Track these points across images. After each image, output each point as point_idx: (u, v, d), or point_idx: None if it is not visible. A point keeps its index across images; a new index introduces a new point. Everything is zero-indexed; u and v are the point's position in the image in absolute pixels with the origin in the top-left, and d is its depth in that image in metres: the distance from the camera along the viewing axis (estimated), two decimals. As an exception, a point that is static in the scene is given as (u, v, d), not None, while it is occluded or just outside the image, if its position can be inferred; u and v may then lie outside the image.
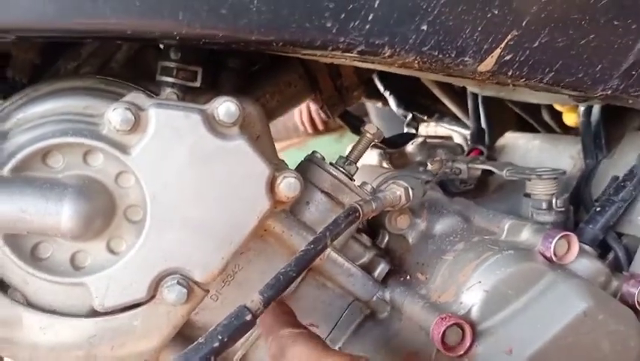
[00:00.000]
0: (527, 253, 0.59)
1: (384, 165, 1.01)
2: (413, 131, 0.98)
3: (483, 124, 0.95)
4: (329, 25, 0.46)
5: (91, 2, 0.41)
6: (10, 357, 0.49)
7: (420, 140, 1.01)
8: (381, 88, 1.02)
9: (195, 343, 0.45)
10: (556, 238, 0.58)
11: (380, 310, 0.65)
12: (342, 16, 0.46)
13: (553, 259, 0.58)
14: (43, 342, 0.48)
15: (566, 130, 0.99)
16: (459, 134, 1.04)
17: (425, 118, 1.06)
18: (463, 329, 0.54)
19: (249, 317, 0.46)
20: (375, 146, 1.00)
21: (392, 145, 0.94)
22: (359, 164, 0.68)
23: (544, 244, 0.59)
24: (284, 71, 0.78)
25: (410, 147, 1.01)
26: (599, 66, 0.55)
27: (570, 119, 0.93)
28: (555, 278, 0.56)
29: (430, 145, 1.02)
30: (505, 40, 0.51)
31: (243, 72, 0.76)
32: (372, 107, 1.47)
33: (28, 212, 0.44)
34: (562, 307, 0.55)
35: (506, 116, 1.03)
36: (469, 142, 0.96)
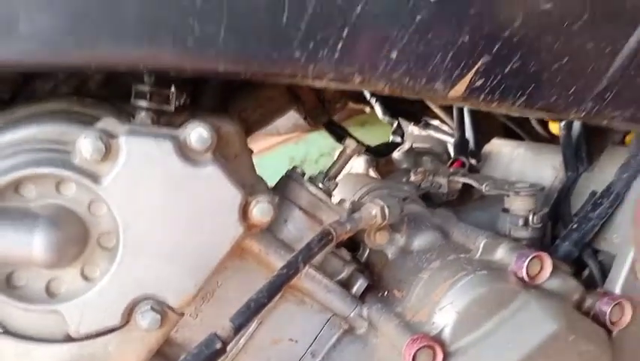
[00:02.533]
0: (500, 274, 0.59)
1: (371, 172, 1.01)
2: (399, 139, 0.98)
3: (468, 133, 0.95)
4: (297, 54, 0.46)
5: (57, 37, 0.41)
6: (-15, 383, 0.49)
7: (406, 147, 1.01)
8: (367, 95, 1.02)
9: (165, 373, 0.45)
10: (529, 258, 0.59)
11: (358, 325, 0.66)
12: (311, 45, 0.46)
13: (526, 279, 0.58)
14: (18, 368, 0.49)
15: (553, 137, 0.99)
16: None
17: (412, 124, 1.06)
18: (434, 350, 0.54)
19: (219, 345, 0.47)
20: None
21: (378, 153, 0.94)
22: (346, 170, 0.69)
23: (517, 264, 0.59)
24: (265, 85, 0.78)
25: (396, 154, 1.01)
26: (572, 89, 0.55)
27: (556, 127, 0.94)
28: (527, 299, 0.57)
29: (416, 152, 1.02)
30: (476, 67, 0.51)
31: (224, 86, 0.76)
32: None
33: (1, 243, 0.44)
34: (533, 329, 0.56)
35: (493, 123, 1.03)
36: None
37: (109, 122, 0.50)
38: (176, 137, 0.50)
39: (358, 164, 1.04)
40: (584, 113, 0.57)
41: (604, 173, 0.73)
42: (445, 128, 1.11)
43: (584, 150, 0.78)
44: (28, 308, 0.49)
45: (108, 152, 0.48)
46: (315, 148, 2.33)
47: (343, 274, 0.69)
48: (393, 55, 0.48)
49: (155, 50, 0.42)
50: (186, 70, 0.44)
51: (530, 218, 0.68)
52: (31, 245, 0.45)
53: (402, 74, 0.49)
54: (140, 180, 0.49)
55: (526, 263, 0.58)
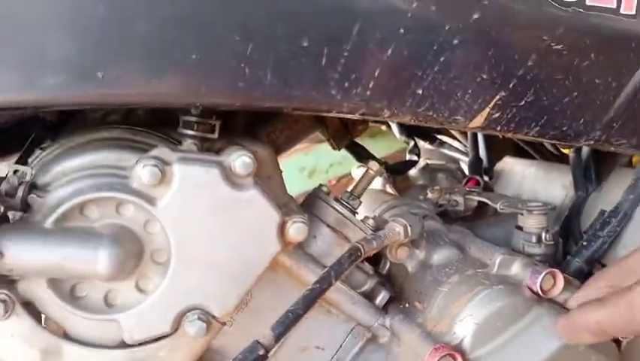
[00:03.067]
0: (516, 288, 0.64)
1: (388, 188, 1.06)
2: (415, 157, 1.03)
3: (481, 152, 1.00)
4: (334, 92, 0.51)
5: (133, 82, 0.47)
6: (51, 384, 0.55)
7: (422, 164, 1.06)
8: (385, 115, 1.07)
9: (214, 376, 0.51)
10: (543, 274, 0.63)
11: (381, 335, 0.71)
12: (346, 84, 0.51)
13: (540, 293, 0.63)
14: (81, 370, 0.54)
15: (563, 155, 1.04)
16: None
17: (427, 144, 1.11)
18: (455, 359, 0.59)
19: (261, 352, 0.52)
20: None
21: (395, 172, 0.99)
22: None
23: (531, 279, 0.64)
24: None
25: (412, 171, 1.07)
26: (582, 120, 0.60)
27: (567, 147, 0.98)
28: (540, 312, 0.62)
29: (431, 169, 1.07)
30: (494, 101, 0.56)
31: (253, 112, 0.82)
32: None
33: (69, 260, 0.50)
34: (546, 340, 0.60)
35: (505, 142, 1.08)
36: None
37: (162, 150, 0.56)
38: (222, 163, 0.56)
39: (376, 181, 1.09)
40: (592, 141, 0.61)
41: (612, 193, 0.78)
42: (456, 145, 1.16)
43: (592, 171, 0.82)
44: (89, 317, 0.54)
45: (163, 177, 0.53)
46: (325, 158, 2.38)
47: (367, 287, 0.74)
48: (419, 92, 0.53)
49: (211, 91, 0.48)
50: (237, 107, 0.50)
51: (543, 235, 0.72)
52: (97, 261, 0.51)
53: (426, 108, 0.54)
54: (191, 202, 0.54)
55: (540, 279, 0.63)
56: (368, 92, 0.52)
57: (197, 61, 0.47)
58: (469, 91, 0.55)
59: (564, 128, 0.60)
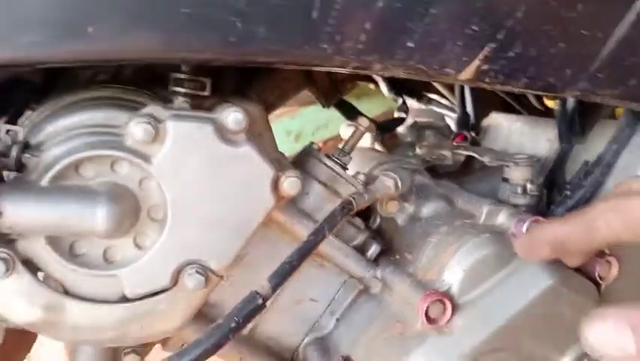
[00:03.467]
0: (502, 236, 0.67)
1: (377, 145, 1.08)
2: (403, 115, 1.04)
3: (468, 108, 1.01)
4: (325, 46, 0.52)
5: (123, 37, 0.47)
6: (55, 338, 0.56)
7: (410, 122, 1.07)
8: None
9: (215, 324, 0.53)
10: (528, 222, 0.66)
11: (372, 286, 0.73)
12: (337, 38, 0.52)
13: (524, 241, 0.66)
14: (83, 325, 0.56)
15: (548, 110, 1.05)
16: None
17: (415, 101, 1.12)
18: (444, 304, 0.62)
19: (259, 301, 0.54)
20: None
21: (384, 129, 1.00)
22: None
23: (516, 227, 0.66)
24: (282, 68, 0.83)
25: (401, 129, 1.08)
26: (568, 71, 0.61)
27: (552, 101, 1.00)
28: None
29: (419, 126, 1.08)
30: (483, 53, 0.56)
31: (243, 70, 0.82)
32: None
33: (67, 217, 0.51)
34: (531, 283, 0.63)
35: (492, 97, 1.09)
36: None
37: (154, 108, 0.56)
38: (215, 120, 0.56)
39: (364, 138, 1.10)
40: (578, 92, 0.63)
41: (595, 144, 0.80)
42: (444, 102, 1.17)
43: (577, 123, 0.84)
44: (89, 273, 0.55)
45: (156, 135, 0.54)
46: (310, 122, 2.38)
47: (358, 240, 0.76)
48: (410, 44, 0.54)
49: (202, 46, 0.48)
50: (228, 62, 0.50)
51: (528, 186, 0.74)
52: (95, 218, 0.51)
53: (417, 61, 0.55)
54: (185, 159, 0.55)
55: (525, 226, 0.65)
56: (359, 46, 0.52)
57: (189, 15, 0.46)
58: (459, 43, 0.55)
59: (551, 80, 0.61)
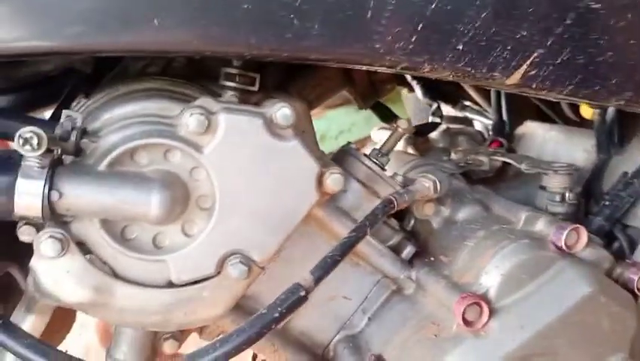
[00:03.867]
0: (540, 242, 0.67)
1: (409, 150, 1.08)
2: (438, 120, 1.05)
3: (504, 115, 1.02)
4: (377, 46, 0.53)
5: (177, 28, 0.48)
6: (102, 319, 0.58)
7: (443, 127, 1.08)
8: (409, 78, 1.09)
9: (259, 313, 0.54)
10: (567, 230, 0.66)
11: (406, 287, 0.74)
12: (389, 38, 0.53)
13: (564, 248, 0.66)
14: (130, 307, 0.58)
15: (583, 121, 1.05)
16: (480, 123, 1.10)
17: (450, 106, 1.12)
18: (481, 307, 0.62)
19: (302, 293, 0.55)
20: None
21: (418, 133, 1.01)
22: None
23: (555, 235, 0.66)
24: (323, 66, 0.84)
25: (434, 134, 1.08)
26: (614, 80, 0.61)
27: (587, 111, 0.99)
28: (564, 265, 0.64)
29: (452, 132, 1.09)
30: (531, 58, 0.57)
31: (285, 66, 0.83)
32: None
33: (124, 202, 0.53)
34: (569, 291, 0.63)
35: (527, 106, 1.09)
36: (489, 132, 1.02)
37: (206, 101, 0.57)
38: (264, 114, 0.58)
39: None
40: (623, 101, 0.63)
41: (635, 156, 0.80)
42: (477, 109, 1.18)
43: (616, 134, 0.84)
44: (139, 258, 0.57)
45: (209, 126, 0.55)
46: (335, 125, 2.39)
47: (393, 241, 0.76)
48: (459, 47, 0.55)
49: (260, 41, 0.50)
50: (283, 58, 0.51)
51: (567, 195, 0.74)
52: (149, 204, 0.53)
53: (465, 64, 0.56)
54: (235, 150, 0.57)
55: (564, 234, 0.65)
56: (410, 46, 0.53)
57: (249, 10, 0.48)
58: (508, 47, 0.56)
59: (597, 88, 0.61)
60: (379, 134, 1.15)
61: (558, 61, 0.58)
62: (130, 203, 0.53)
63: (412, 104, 1.39)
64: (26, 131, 0.48)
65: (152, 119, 0.58)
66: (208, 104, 0.57)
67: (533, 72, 0.58)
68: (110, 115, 0.58)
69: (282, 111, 0.58)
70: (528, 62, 0.57)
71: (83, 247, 0.57)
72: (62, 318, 0.71)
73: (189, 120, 0.55)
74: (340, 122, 2.39)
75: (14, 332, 0.54)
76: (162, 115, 0.58)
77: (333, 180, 0.61)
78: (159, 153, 0.56)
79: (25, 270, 0.58)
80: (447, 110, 1.21)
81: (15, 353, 0.53)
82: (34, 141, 0.48)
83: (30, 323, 0.64)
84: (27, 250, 0.56)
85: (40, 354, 0.53)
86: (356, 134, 2.32)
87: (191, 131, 0.55)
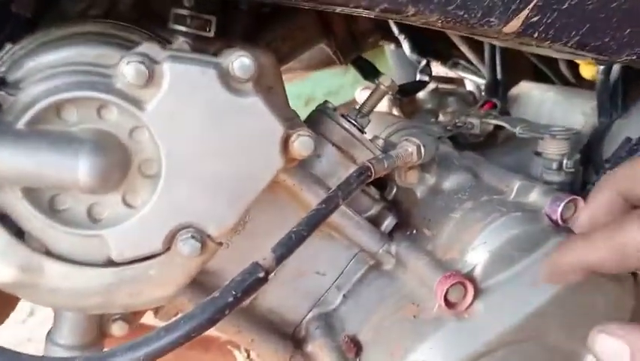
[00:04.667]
0: (534, 216, 0.60)
1: (394, 111, 1.00)
2: (426, 78, 0.96)
3: (498, 74, 0.93)
4: (352, -18, 0.44)
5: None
6: (33, 302, 0.51)
7: (431, 87, 0.99)
8: (395, 31, 0.99)
9: (211, 297, 0.46)
10: (564, 202, 0.59)
11: (385, 262, 0.67)
12: (366, -28, 0.44)
13: (559, 222, 0.59)
14: (64, 289, 0.50)
15: (581, 82, 0.97)
16: (472, 82, 1.02)
17: (439, 64, 1.03)
18: (465, 287, 0.56)
19: (261, 274, 0.47)
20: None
21: (404, 93, 0.92)
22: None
23: (551, 207, 0.59)
24: (296, 14, 0.75)
25: (421, 94, 1.00)
26: (628, 31, 0.53)
27: (587, 71, 0.91)
28: (559, 241, 0.58)
29: (441, 92, 1.01)
30: (534, 2, 0.48)
31: (253, 15, 0.74)
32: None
33: (45, 167, 0.44)
34: (563, 270, 0.56)
35: (522, 65, 1.01)
36: (482, 93, 0.94)
37: (150, 47, 0.48)
38: (219, 64, 0.49)
39: (381, 103, 1.02)
40: (635, 56, 0.55)
41: (639, 120, 0.72)
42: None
43: (619, 96, 0.76)
44: (71, 232, 0.49)
45: (151, 77, 0.46)
46: (322, 86, 2.29)
47: (372, 212, 0.69)
48: (451, -15, 0.46)
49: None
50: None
51: (564, 162, 0.67)
52: (77, 169, 0.45)
53: (457, 6, 0.47)
54: (183, 106, 0.48)
55: (561, 206, 0.58)
56: (391, -16, 0.44)
57: None
58: (508, -12, 0.47)
59: (607, 39, 0.53)
60: (364, 95, 1.06)
61: (564, 6, 0.50)
62: (53, 168, 0.44)
63: (397, 63, 1.30)
64: None
65: (85, 68, 0.48)
66: (152, 52, 0.48)
67: (535, 18, 0.50)
68: (35, 63, 0.49)
69: (240, 61, 0.49)
70: (530, 6, 0.48)
71: (8, 220, 0.49)
72: (2, 295, 0.63)
73: (126, 69, 0.46)
74: (327, 84, 2.29)
75: None
76: (99, 64, 0.49)
77: (301, 143, 0.52)
78: (92, 109, 0.47)
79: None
80: (437, 70, 1.13)
81: None
82: None
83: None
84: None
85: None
86: (344, 97, 2.23)
87: (130, 84, 0.46)
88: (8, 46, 0.54)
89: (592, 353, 0.44)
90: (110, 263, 0.51)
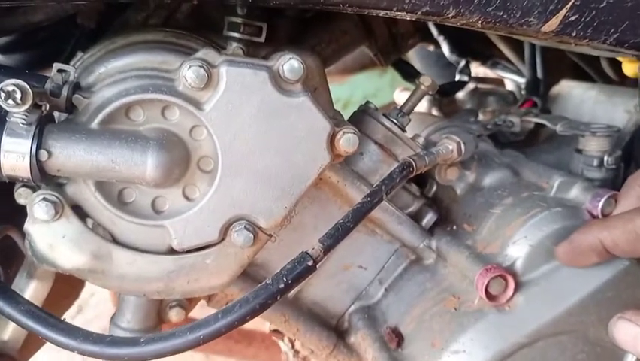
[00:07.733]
0: (574, 211, 0.61)
1: (434, 111, 1.02)
2: (466, 78, 0.97)
3: (539, 73, 0.94)
4: (395, -14, 0.47)
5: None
6: (102, 286, 0.56)
7: (471, 87, 1.01)
8: (434, 32, 1.01)
9: (263, 283, 0.50)
10: (605, 198, 0.59)
11: (426, 256, 0.69)
12: (409, -23, 0.46)
13: (600, 217, 0.60)
14: (130, 274, 0.55)
15: (624, 80, 0.96)
16: (512, 82, 1.02)
17: (479, 64, 1.04)
18: (506, 280, 0.57)
19: (310, 263, 0.50)
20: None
21: (444, 93, 0.94)
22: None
23: (592, 203, 0.60)
24: (339, 18, 0.78)
25: (461, 94, 1.01)
26: (669, 26, 0.53)
27: (630, 69, 0.90)
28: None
29: (481, 92, 1.02)
30: (572, 1, 0.50)
31: (298, 20, 0.77)
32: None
33: (117, 162, 0.49)
34: (605, 264, 0.57)
35: (563, 64, 1.01)
36: (522, 91, 0.95)
37: (208, 52, 0.52)
38: (270, 67, 0.53)
39: (421, 103, 1.04)
40: (677, 53, 0.55)
41: (684, 117, 0.72)
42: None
43: (664, 93, 0.76)
44: (137, 222, 0.54)
45: (209, 80, 0.51)
46: (359, 90, 2.32)
47: (413, 208, 0.71)
48: (490, -13, 0.48)
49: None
50: (291, 3, 0.46)
51: (605, 159, 0.68)
52: (145, 165, 0.49)
53: (496, 7, 0.49)
54: (238, 107, 0.52)
55: (601, 202, 0.59)
56: (433, -13, 0.47)
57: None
58: (546, -12, 0.49)
59: (647, 36, 0.54)
60: (403, 96, 1.09)
61: (603, 4, 0.51)
62: (124, 164, 0.49)
63: (423, 65, 1.31)
64: (8, 83, 0.44)
65: (150, 72, 0.53)
66: (209, 57, 0.52)
67: (574, 17, 0.51)
68: (104, 69, 0.54)
69: (289, 63, 0.52)
70: (568, 5, 0.50)
71: (80, 211, 0.54)
72: (69, 283, 0.69)
73: (187, 73, 0.50)
74: (364, 87, 2.31)
75: (11, 298, 0.52)
76: (161, 69, 0.54)
77: (347, 140, 0.56)
78: (157, 109, 0.52)
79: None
80: (476, 71, 1.14)
81: (12, 319, 0.51)
82: (17, 95, 0.44)
83: (32, 289, 0.62)
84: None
85: (37, 321, 0.50)
86: (382, 100, 2.25)
87: (190, 86, 0.50)
88: (79, 54, 0.59)
89: (612, 339, 0.45)
90: (171, 251, 0.55)
